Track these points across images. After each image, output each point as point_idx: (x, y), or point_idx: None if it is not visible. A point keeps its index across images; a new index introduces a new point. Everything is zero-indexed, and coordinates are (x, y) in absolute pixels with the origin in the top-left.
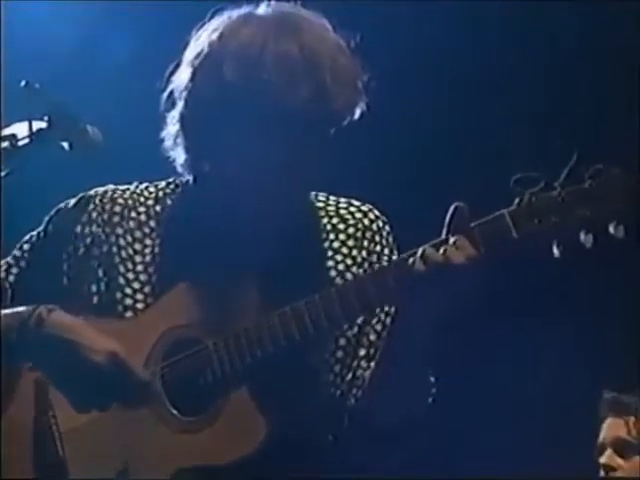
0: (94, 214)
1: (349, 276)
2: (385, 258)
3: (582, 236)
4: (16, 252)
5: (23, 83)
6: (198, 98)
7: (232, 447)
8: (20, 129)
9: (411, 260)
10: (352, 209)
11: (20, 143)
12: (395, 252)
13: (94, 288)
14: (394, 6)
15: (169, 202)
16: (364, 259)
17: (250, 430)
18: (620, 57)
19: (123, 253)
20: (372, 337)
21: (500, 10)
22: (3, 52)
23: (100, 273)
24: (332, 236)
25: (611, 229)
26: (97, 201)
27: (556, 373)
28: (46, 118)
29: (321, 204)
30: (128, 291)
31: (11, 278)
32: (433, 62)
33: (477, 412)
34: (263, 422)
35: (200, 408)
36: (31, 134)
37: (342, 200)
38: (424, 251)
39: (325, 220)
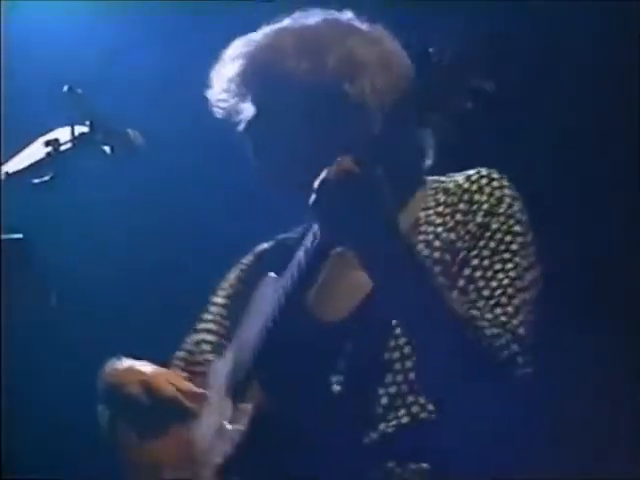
0: (242, 275)
1: (437, 244)
2: (482, 211)
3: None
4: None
5: (66, 88)
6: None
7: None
8: (63, 134)
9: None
10: (458, 177)
11: (63, 147)
12: (511, 204)
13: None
14: None
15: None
16: (457, 222)
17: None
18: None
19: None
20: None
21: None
22: (45, 57)
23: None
24: (423, 205)
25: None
26: (248, 258)
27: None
28: (88, 122)
29: (431, 184)
30: None
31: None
32: None
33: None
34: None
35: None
36: (73, 138)
37: (457, 174)
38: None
39: (426, 193)
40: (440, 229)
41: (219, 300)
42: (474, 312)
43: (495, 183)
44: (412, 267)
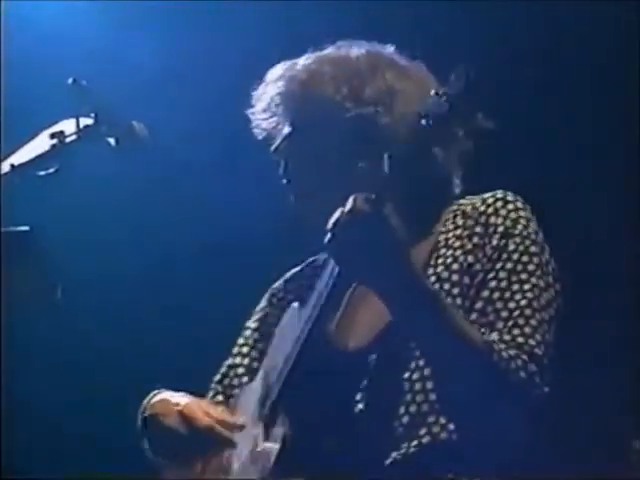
0: (273, 299)
1: (455, 267)
2: (498, 233)
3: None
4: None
5: (70, 80)
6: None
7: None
8: (68, 126)
9: None
10: (475, 200)
11: (68, 140)
12: (526, 225)
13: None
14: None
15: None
16: (475, 245)
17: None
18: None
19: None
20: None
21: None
22: (49, 49)
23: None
24: (443, 229)
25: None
26: (279, 283)
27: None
28: (93, 115)
29: (452, 207)
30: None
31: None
32: None
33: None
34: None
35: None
36: (78, 130)
37: (475, 197)
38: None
39: (447, 216)
40: (458, 252)
41: (252, 324)
42: (492, 336)
43: (510, 205)
44: (426, 298)
